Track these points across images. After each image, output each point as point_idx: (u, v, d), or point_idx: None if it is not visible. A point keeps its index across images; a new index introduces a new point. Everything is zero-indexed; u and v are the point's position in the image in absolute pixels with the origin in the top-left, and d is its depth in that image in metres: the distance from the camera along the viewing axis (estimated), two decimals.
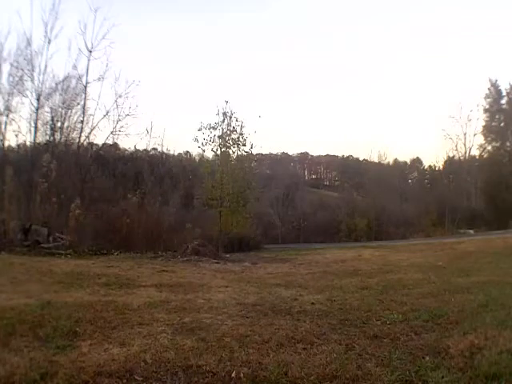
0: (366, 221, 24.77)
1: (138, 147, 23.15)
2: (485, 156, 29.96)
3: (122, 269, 6.14)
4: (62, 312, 2.91)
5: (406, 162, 41.19)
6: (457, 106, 39.80)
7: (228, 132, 12.88)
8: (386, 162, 35.51)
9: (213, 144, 12.81)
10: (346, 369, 1.87)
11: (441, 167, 35.73)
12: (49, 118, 12.70)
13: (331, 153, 52.33)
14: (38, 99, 12.29)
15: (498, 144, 28.96)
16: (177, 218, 12.53)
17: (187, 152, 34.97)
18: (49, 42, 12.71)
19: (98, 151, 15.70)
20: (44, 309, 2.99)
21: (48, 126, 12.72)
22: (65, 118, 12.86)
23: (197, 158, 31.16)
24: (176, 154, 31.87)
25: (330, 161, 52.20)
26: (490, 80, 29.61)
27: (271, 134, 55.11)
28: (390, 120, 56.80)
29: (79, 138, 13.19)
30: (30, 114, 12.45)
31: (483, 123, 30.03)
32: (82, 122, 13.06)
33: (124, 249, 9.29)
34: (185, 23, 57.28)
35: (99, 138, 16.16)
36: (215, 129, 12.75)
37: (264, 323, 2.69)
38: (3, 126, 12.26)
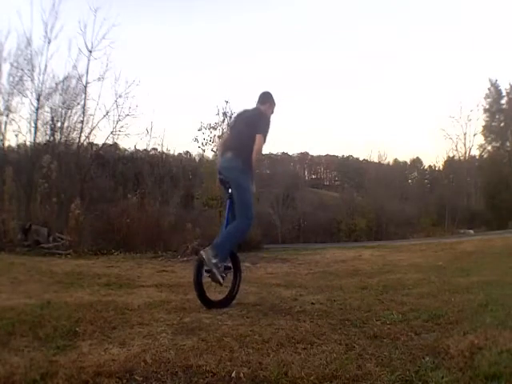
0: (365, 221, 24.81)
1: (138, 147, 23.16)
2: (485, 156, 30.02)
3: (121, 269, 6.14)
4: (62, 312, 2.91)
5: (405, 162, 41.34)
6: (457, 106, 39.88)
7: None
8: (385, 161, 35.64)
9: (213, 144, 12.82)
10: (346, 369, 1.87)
11: (441, 167, 35.83)
12: (49, 118, 12.74)
13: (331, 153, 52.41)
14: (38, 99, 12.31)
15: (498, 144, 29.02)
16: (177, 217, 12.53)
17: (187, 152, 35.04)
18: (49, 42, 12.74)
19: (98, 151, 15.71)
20: (44, 309, 2.99)
21: (48, 126, 12.74)
22: (65, 118, 12.89)
23: (197, 158, 31.21)
24: (176, 154, 31.93)
25: (330, 161, 52.27)
26: (490, 80, 29.67)
27: (271, 134, 55.03)
28: (390, 120, 56.90)
29: (79, 138, 13.22)
30: (30, 114, 12.48)
31: (483, 123, 30.07)
32: (82, 122, 13.09)
33: (124, 249, 9.30)
34: (185, 23, 57.29)
35: (99, 138, 16.20)
36: (215, 129, 12.76)
37: (264, 323, 2.69)
38: (3, 126, 12.29)
